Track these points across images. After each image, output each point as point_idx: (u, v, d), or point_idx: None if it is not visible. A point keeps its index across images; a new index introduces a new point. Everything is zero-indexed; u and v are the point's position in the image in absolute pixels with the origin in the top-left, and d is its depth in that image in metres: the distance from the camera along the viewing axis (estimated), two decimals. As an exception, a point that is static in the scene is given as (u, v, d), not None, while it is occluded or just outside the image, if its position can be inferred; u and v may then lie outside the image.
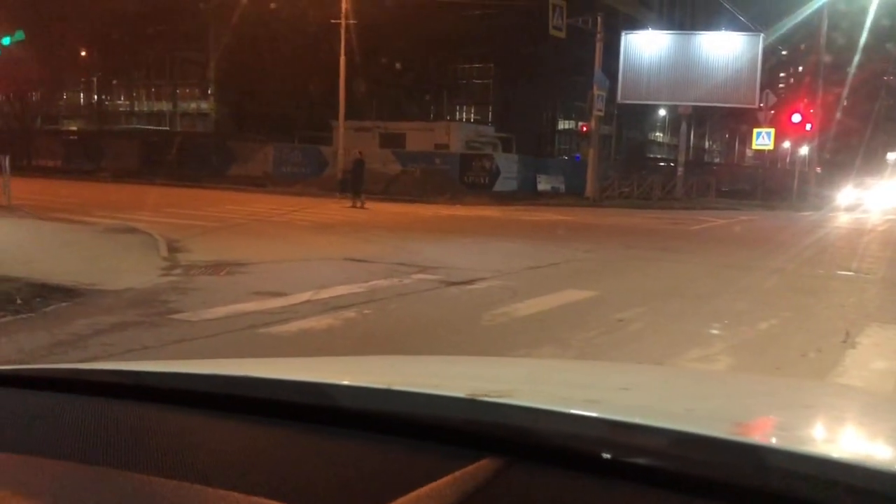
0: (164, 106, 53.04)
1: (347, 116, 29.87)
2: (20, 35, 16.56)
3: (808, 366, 5.58)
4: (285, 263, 10.11)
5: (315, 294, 7.56)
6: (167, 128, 50.02)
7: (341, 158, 29.36)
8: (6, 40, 15.92)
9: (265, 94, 40.71)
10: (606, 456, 0.85)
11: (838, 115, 40.07)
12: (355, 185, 22.10)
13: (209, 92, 49.28)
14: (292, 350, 5.57)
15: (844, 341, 6.33)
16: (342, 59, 28.22)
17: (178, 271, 8.97)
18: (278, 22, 35.19)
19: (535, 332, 6.42)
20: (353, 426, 0.99)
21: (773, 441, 0.98)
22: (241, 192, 26.54)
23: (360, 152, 24.00)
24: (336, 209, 20.36)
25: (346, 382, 1.18)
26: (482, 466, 0.85)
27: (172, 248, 10.82)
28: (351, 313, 6.88)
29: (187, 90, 51.90)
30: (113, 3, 37.18)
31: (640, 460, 0.84)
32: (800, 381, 3.07)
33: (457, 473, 0.83)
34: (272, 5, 33.86)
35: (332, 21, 28.53)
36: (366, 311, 7.03)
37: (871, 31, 35.89)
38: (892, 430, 1.21)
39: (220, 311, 6.73)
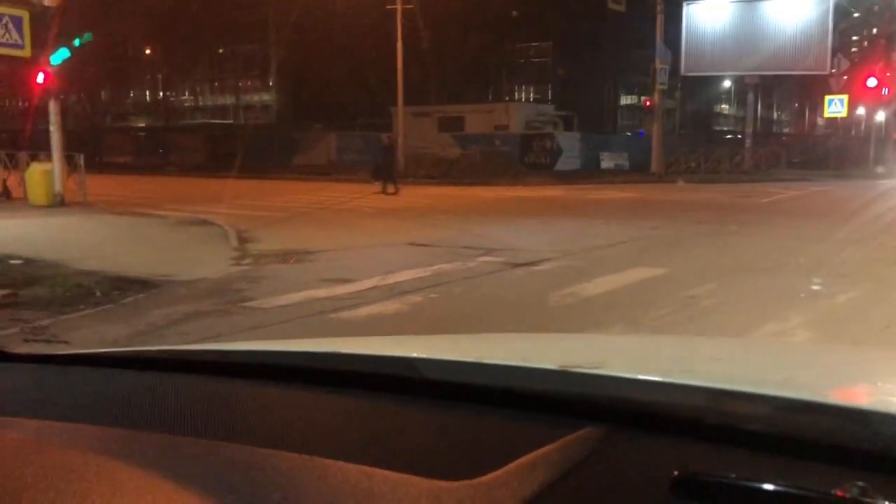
0: (228, 99, 54.11)
1: (406, 102, 29.93)
2: (89, 37, 17.05)
3: (893, 337, 5.37)
4: (351, 250, 10.22)
5: (382, 280, 7.62)
6: (231, 121, 51.03)
7: (401, 145, 29.45)
8: (76, 42, 16.41)
9: (325, 83, 41.10)
10: (712, 423, 0.84)
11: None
12: (386, 171, 21.65)
13: (270, 84, 50.03)
14: (363, 334, 5.62)
15: (930, 313, 6.08)
16: (399, 44, 28.26)
17: (248, 261, 9.16)
18: (336, 10, 35.42)
19: (603, 311, 6.35)
20: (446, 399, 1.00)
21: (881, 405, 0.96)
22: (305, 181, 26.89)
23: (388, 137, 23.62)
24: (398, 195, 20.39)
25: (437, 356, 1.18)
26: (586, 434, 0.86)
27: (242, 239, 11.05)
28: (418, 298, 6.92)
29: (249, 83, 52.81)
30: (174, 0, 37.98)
31: (747, 426, 0.84)
32: (892, 350, 2.97)
33: (561, 441, 0.84)
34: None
35: (388, 7, 28.58)
36: (432, 296, 7.05)
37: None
38: None
39: (291, 298, 6.85)
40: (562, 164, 31.13)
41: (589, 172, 30.21)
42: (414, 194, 20.71)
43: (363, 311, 6.32)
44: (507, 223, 13.59)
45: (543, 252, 9.51)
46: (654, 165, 29.72)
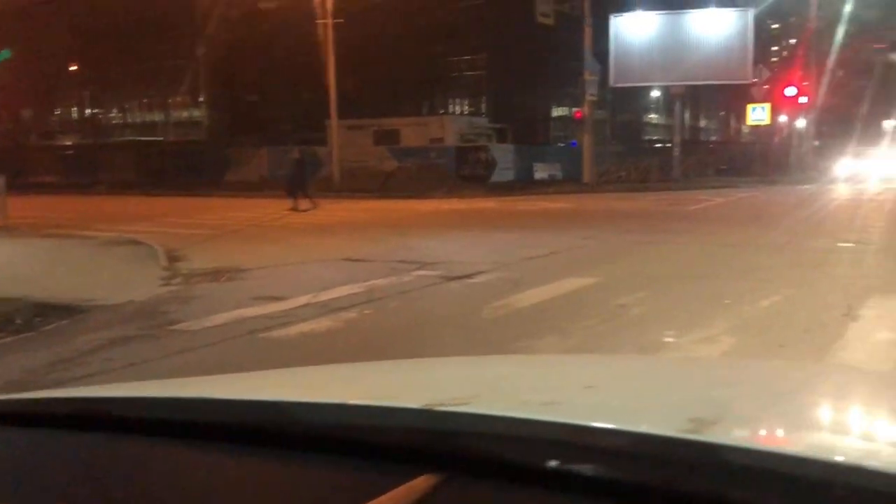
0: (157, 116, 52.93)
1: (341, 115, 29.80)
2: (6, 54, 16.54)
3: (811, 341, 5.57)
4: (284, 267, 10.10)
5: (314, 297, 7.55)
6: (161, 138, 49.95)
7: (336, 158, 29.32)
8: (-6, 59, 15.92)
9: (258, 97, 40.66)
10: (551, 464, 0.79)
11: (833, 86, 39.89)
12: (297, 186, 20.73)
13: (200, 99, 49.22)
14: (294, 353, 5.56)
15: (846, 314, 6.31)
16: (330, 58, 28.17)
17: (177, 281, 8.96)
18: (265, 25, 35.12)
19: (536, 322, 6.41)
20: (306, 445, 0.95)
21: (723, 437, 0.88)
22: (237, 198, 26.47)
23: (298, 151, 22.86)
24: (333, 210, 20.23)
25: (292, 399, 1.13)
26: (418, 483, 0.82)
27: (172, 258, 10.81)
28: (351, 314, 6.87)
29: (178, 99, 51.72)
30: (100, 16, 37.11)
31: (584, 468, 0.78)
32: (785, 364, 2.99)
33: (392, 492, 0.80)
34: (259, 7, 33.77)
35: (318, 21, 28.46)
36: (366, 311, 7.01)
37: (860, -1, 35.70)
38: (864, 414, 1.14)
39: (221, 318, 6.73)
40: (497, 176, 31.38)
41: (523, 183, 30.50)
42: (349, 208, 20.62)
43: (294, 330, 6.25)
44: (444, 236, 13.63)
45: (479, 264, 9.57)
46: (586, 175, 30.21)
